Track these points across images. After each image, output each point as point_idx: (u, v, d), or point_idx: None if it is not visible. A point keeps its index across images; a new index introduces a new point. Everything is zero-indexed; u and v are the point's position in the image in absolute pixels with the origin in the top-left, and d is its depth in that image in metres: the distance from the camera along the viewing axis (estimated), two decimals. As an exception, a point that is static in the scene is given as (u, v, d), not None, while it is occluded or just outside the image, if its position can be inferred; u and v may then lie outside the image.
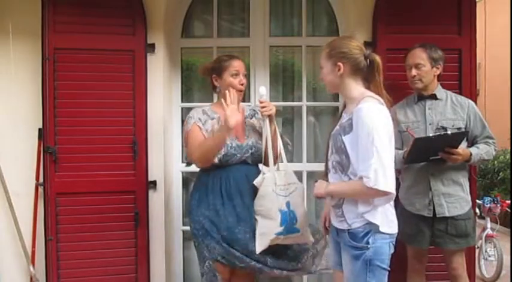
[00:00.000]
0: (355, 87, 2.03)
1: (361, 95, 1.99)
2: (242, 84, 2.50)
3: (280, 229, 2.32)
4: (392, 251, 2.02)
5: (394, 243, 2.03)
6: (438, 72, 2.65)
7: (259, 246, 2.34)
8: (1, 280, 3.03)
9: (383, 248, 1.97)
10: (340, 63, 2.01)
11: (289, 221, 2.33)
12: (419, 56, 2.61)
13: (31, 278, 3.02)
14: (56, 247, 2.90)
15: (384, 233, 1.96)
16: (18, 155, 3.03)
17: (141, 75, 2.99)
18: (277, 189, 2.35)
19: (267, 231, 2.33)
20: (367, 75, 2.04)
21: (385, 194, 1.88)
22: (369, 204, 1.94)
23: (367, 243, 1.94)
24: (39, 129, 2.99)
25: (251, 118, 2.60)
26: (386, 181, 1.85)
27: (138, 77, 2.98)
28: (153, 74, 3.05)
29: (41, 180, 2.98)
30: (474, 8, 3.06)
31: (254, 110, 2.66)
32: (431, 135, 2.55)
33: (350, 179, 1.96)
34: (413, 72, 2.62)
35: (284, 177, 2.40)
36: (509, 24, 4.72)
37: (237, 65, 2.50)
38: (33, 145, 3.01)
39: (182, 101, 3.32)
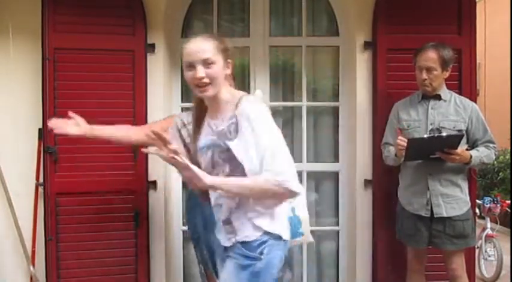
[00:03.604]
0: (227, 89, 1.82)
1: (235, 95, 1.80)
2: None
3: None
4: (283, 262, 1.83)
5: (286, 252, 1.85)
6: (448, 74, 2.63)
7: None
8: (1, 280, 3.03)
9: (275, 260, 1.78)
10: (230, 61, 1.80)
11: (293, 227, 2.29)
12: (432, 59, 2.55)
13: (31, 278, 3.02)
14: (56, 247, 2.90)
15: (281, 241, 1.79)
16: (18, 155, 3.02)
17: (141, 75, 2.99)
18: None
19: None
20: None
21: (294, 195, 1.67)
22: (266, 210, 1.76)
23: (261, 253, 1.74)
24: (39, 129, 2.99)
25: None
26: (296, 181, 1.66)
27: (138, 77, 2.98)
28: (153, 74, 3.05)
29: (41, 180, 2.98)
30: (474, 8, 3.06)
31: None
32: (425, 136, 2.55)
33: None
34: (424, 75, 2.57)
35: None
36: (509, 24, 4.72)
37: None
38: (33, 145, 3.01)
39: (182, 101, 3.32)
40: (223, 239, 1.83)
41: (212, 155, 1.78)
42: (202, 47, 1.73)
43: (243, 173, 1.69)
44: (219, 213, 1.82)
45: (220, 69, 1.74)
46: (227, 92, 1.81)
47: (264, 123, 1.68)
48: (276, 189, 1.63)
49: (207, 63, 1.71)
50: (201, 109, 1.88)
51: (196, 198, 2.45)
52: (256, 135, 1.65)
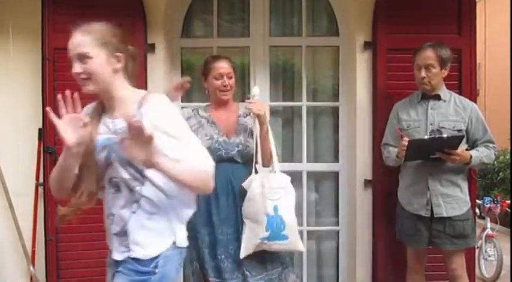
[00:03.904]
0: (124, 85, 1.68)
1: (136, 93, 1.69)
2: (225, 86, 2.45)
3: (266, 234, 2.27)
4: (179, 274, 1.70)
5: (182, 262, 1.71)
6: (446, 73, 2.63)
7: (244, 250, 2.31)
8: (1, 280, 3.03)
9: (171, 272, 1.63)
10: (119, 54, 1.64)
11: (275, 227, 2.26)
12: (430, 57, 2.57)
13: (31, 278, 3.02)
14: (56, 247, 2.90)
15: (178, 249, 1.64)
16: (18, 155, 3.02)
17: (141, 75, 2.99)
18: (265, 192, 2.29)
19: (252, 235, 2.29)
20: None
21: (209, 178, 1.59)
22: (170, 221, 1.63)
23: (156, 266, 1.58)
24: (39, 129, 2.99)
25: (245, 116, 2.54)
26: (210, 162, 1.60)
27: (138, 77, 2.97)
28: (153, 74, 3.05)
29: (41, 180, 2.99)
30: (474, 8, 3.06)
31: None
32: (426, 137, 2.55)
33: (139, 196, 1.59)
34: (423, 73, 2.58)
35: (274, 180, 2.34)
36: (509, 24, 4.72)
37: (219, 66, 2.46)
38: (33, 145, 3.01)
39: (182, 101, 3.31)
40: (115, 252, 1.64)
41: (107, 155, 1.61)
42: (78, 41, 1.62)
43: (141, 179, 1.58)
44: (112, 225, 1.66)
45: (101, 64, 1.59)
46: (124, 88, 1.67)
47: (176, 123, 1.60)
48: (206, 174, 1.56)
49: (83, 58, 1.59)
50: (101, 106, 1.71)
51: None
52: (169, 134, 1.54)
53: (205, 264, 2.39)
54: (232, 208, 2.38)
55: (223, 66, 2.46)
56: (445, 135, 2.52)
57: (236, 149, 2.42)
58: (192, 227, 2.42)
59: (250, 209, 2.30)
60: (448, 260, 2.65)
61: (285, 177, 2.39)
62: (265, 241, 2.28)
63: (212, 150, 2.36)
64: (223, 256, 2.37)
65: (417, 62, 2.61)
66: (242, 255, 2.31)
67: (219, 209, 2.38)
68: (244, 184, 2.33)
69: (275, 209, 2.27)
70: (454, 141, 2.51)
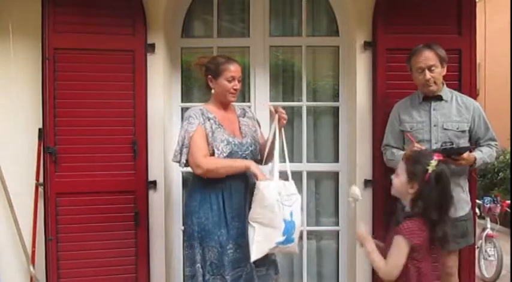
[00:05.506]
0: None
1: None
2: (236, 90, 2.51)
3: (282, 238, 2.32)
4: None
5: None
6: (445, 72, 2.62)
7: (256, 254, 2.33)
8: (1, 280, 3.03)
9: None
10: None
11: (289, 231, 2.34)
12: (431, 57, 2.55)
13: (31, 278, 3.02)
14: (56, 247, 2.90)
15: None
16: (18, 155, 3.02)
17: (141, 75, 2.99)
18: (282, 199, 2.34)
19: (266, 240, 2.33)
20: None
21: None
22: None
23: None
24: (39, 129, 2.99)
25: (243, 117, 2.63)
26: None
27: (138, 77, 2.98)
28: (153, 74, 3.05)
29: (41, 180, 2.99)
30: (474, 8, 3.06)
31: (244, 109, 2.69)
32: (435, 148, 2.53)
33: None
34: (428, 75, 2.54)
35: (289, 187, 2.41)
36: (509, 24, 4.73)
37: (233, 70, 2.49)
38: (33, 145, 3.01)
39: (182, 101, 3.32)
40: None
41: None
42: None
43: None
44: None
45: None
46: None
47: None
48: None
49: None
50: None
51: (205, 194, 2.45)
52: None
53: (206, 265, 2.41)
54: (243, 205, 2.44)
55: (237, 69, 2.51)
56: (455, 146, 2.52)
57: (250, 149, 2.52)
58: (207, 229, 2.43)
59: (264, 214, 2.32)
60: (446, 258, 2.65)
61: (292, 183, 2.46)
62: (280, 245, 2.34)
63: (233, 154, 2.45)
64: (233, 250, 2.43)
65: (418, 65, 2.58)
66: (253, 258, 2.34)
67: (232, 206, 2.44)
68: (263, 186, 2.33)
69: (291, 214, 2.34)
70: (463, 151, 2.51)
